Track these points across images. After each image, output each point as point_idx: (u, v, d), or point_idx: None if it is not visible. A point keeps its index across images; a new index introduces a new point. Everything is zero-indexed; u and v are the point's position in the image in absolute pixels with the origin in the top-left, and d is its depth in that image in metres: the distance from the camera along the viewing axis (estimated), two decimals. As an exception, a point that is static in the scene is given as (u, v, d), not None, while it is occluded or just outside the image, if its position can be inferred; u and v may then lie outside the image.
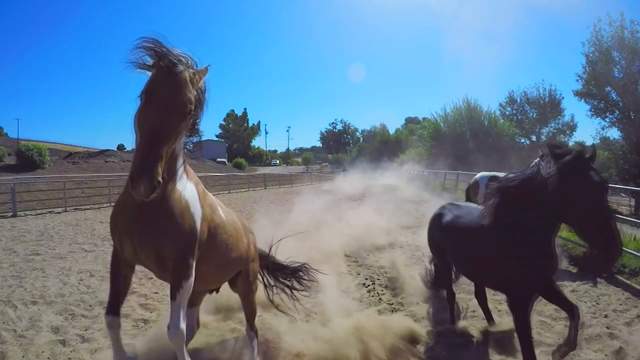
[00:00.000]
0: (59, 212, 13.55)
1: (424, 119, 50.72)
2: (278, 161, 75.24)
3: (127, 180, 2.01)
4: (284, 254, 5.94)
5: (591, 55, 26.76)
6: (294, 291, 3.53)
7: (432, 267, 4.18)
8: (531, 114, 34.84)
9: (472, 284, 4.97)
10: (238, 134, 70.53)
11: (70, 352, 3.28)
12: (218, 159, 51.10)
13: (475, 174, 8.42)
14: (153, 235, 2.13)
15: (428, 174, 24.51)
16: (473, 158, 25.86)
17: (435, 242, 3.66)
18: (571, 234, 7.67)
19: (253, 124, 73.13)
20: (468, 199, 7.00)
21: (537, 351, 3.25)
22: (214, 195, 2.78)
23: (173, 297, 2.17)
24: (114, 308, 2.24)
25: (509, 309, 2.74)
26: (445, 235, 3.37)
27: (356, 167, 39.11)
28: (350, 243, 6.71)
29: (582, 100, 28.13)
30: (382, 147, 53.50)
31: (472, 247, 2.97)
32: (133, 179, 1.73)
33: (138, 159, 1.77)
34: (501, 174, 7.17)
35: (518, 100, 35.25)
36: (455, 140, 30.56)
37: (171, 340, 2.16)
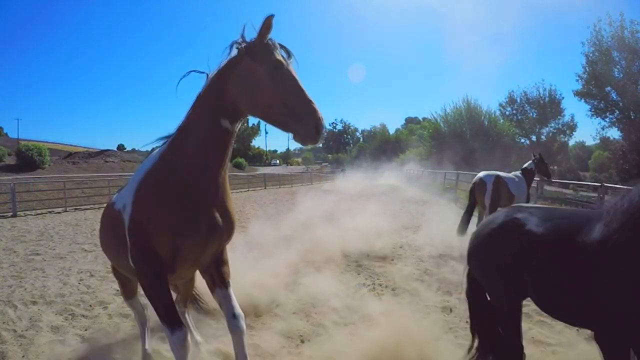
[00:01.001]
0: (59, 212, 13.55)
1: (424, 119, 50.76)
2: (278, 161, 75.22)
3: (195, 155, 1.92)
4: (285, 254, 5.93)
5: (591, 55, 26.80)
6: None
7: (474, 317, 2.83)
8: (531, 114, 34.90)
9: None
10: (238, 134, 70.11)
11: (70, 352, 3.28)
12: (218, 159, 51.04)
13: (476, 174, 8.42)
14: (229, 217, 2.06)
15: (428, 174, 24.51)
16: (474, 158, 25.88)
17: (502, 264, 2.38)
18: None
19: (253, 124, 72.98)
20: (472, 199, 6.86)
21: (537, 351, 3.26)
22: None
23: (229, 284, 2.14)
24: (180, 321, 1.94)
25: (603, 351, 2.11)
26: (535, 254, 2.20)
27: (356, 167, 39.13)
28: (350, 243, 6.70)
29: (582, 100, 28.21)
30: (382, 147, 53.53)
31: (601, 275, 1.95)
32: (319, 124, 1.76)
33: (316, 108, 1.78)
34: (503, 174, 7.23)
35: (518, 100, 35.34)
36: (455, 140, 30.57)
37: (238, 332, 2.05)
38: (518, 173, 7.36)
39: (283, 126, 1.85)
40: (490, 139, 30.83)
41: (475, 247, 2.62)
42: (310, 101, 1.79)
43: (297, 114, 1.78)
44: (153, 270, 1.93)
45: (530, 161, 7.56)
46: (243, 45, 1.91)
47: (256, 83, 1.85)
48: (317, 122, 1.76)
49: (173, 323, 1.90)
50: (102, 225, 2.46)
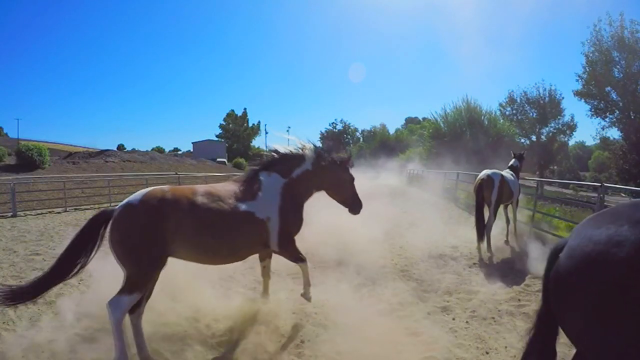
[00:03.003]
0: (59, 212, 13.54)
1: (424, 119, 50.81)
2: (278, 161, 75.07)
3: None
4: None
5: (591, 55, 26.83)
6: None
7: None
8: (531, 114, 34.86)
9: (472, 282, 5.00)
10: (238, 134, 70.45)
11: (70, 352, 3.28)
12: (218, 159, 50.99)
13: (475, 174, 8.49)
14: None
15: (428, 173, 24.53)
16: (474, 158, 25.85)
17: None
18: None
19: (253, 124, 72.97)
20: (480, 196, 6.80)
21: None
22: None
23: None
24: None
25: None
26: None
27: (356, 166, 39.09)
28: (350, 243, 6.70)
29: (582, 100, 28.23)
30: (382, 147, 53.52)
31: None
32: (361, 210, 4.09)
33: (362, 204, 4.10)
34: (504, 172, 7.31)
35: (518, 100, 35.28)
36: (455, 140, 30.57)
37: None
38: (509, 171, 7.60)
39: (344, 206, 4.08)
40: (491, 139, 30.83)
41: (587, 266, 1.61)
42: (360, 201, 4.04)
43: (356, 205, 4.04)
44: (294, 246, 3.65)
45: (514, 159, 7.91)
46: (343, 161, 3.92)
47: (343, 184, 3.91)
48: (361, 209, 4.05)
49: (304, 261, 3.72)
50: (225, 224, 3.18)
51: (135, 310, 3.10)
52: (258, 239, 3.38)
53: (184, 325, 3.69)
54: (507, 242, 7.23)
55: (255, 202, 3.35)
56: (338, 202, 3.97)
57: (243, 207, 3.28)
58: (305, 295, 3.86)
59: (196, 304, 4.03)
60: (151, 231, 2.93)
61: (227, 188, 3.38)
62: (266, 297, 4.01)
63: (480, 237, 6.46)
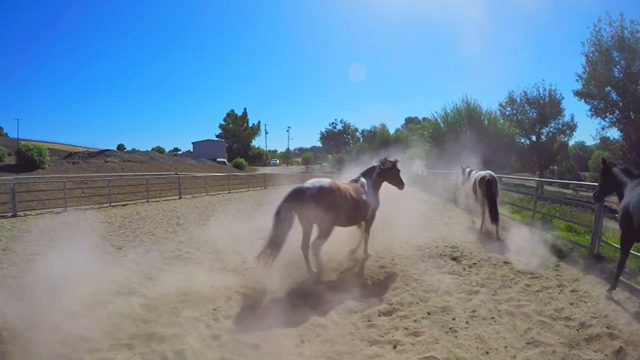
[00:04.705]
0: (59, 212, 13.53)
1: (424, 119, 50.81)
2: (278, 161, 75.27)
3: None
4: (288, 252, 5.88)
5: (591, 55, 26.86)
6: None
7: None
8: (531, 114, 34.86)
9: (472, 282, 5.00)
10: (238, 134, 70.42)
11: (70, 352, 3.28)
12: (218, 159, 50.97)
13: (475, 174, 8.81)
14: None
15: (428, 173, 24.53)
16: (475, 158, 25.84)
17: None
18: (571, 234, 7.67)
19: (253, 124, 72.96)
20: (490, 191, 7.63)
21: (537, 351, 3.26)
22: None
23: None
24: None
25: None
26: None
27: (357, 166, 39.11)
28: (350, 242, 6.69)
29: (582, 100, 28.25)
30: (382, 147, 53.50)
31: None
32: (403, 186, 6.42)
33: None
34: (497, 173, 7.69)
35: (518, 100, 35.30)
36: (455, 140, 30.58)
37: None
38: None
39: (395, 186, 6.30)
40: (491, 139, 30.83)
41: None
42: (404, 182, 6.33)
43: (401, 186, 6.31)
44: (373, 220, 6.02)
45: (474, 171, 9.09)
46: (395, 163, 6.21)
47: (397, 177, 6.26)
48: (404, 187, 6.35)
49: (368, 233, 6.21)
50: (359, 206, 5.56)
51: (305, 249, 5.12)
52: (365, 214, 5.74)
53: (184, 325, 3.69)
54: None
55: (365, 194, 5.71)
56: (392, 184, 6.24)
57: (363, 197, 5.66)
58: (364, 252, 6.10)
59: (204, 295, 4.02)
60: (340, 204, 5.12)
61: (356, 186, 5.71)
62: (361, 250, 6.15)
63: (495, 220, 7.45)
